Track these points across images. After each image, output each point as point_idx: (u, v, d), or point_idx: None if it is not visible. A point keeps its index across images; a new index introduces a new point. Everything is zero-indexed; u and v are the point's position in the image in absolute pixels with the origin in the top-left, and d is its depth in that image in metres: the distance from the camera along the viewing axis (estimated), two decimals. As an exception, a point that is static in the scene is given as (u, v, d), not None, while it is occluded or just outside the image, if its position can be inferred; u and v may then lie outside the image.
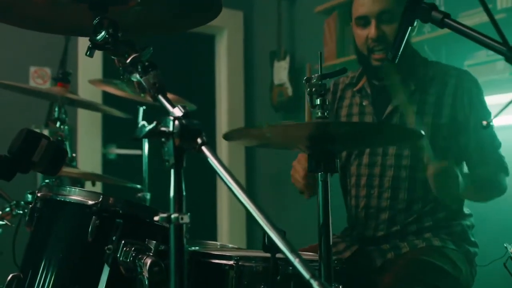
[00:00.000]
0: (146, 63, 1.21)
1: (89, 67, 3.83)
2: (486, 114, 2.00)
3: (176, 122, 1.07)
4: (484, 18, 2.98)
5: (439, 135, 2.00)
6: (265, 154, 4.35)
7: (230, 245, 2.15)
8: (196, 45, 4.52)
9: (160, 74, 1.20)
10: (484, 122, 1.10)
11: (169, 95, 3.02)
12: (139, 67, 1.21)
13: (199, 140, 1.09)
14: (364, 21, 2.02)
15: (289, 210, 3.98)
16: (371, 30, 1.99)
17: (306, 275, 0.93)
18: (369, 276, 1.92)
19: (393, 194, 2.02)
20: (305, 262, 0.95)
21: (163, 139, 1.08)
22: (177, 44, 4.34)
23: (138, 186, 2.95)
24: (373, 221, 2.04)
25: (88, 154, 3.90)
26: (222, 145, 4.38)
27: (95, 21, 1.29)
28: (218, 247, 2.09)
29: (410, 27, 1.28)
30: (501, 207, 2.31)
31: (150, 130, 1.06)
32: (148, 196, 2.96)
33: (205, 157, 1.09)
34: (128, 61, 1.21)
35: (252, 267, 1.60)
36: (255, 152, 4.44)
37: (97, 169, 3.91)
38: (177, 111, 1.12)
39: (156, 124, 1.07)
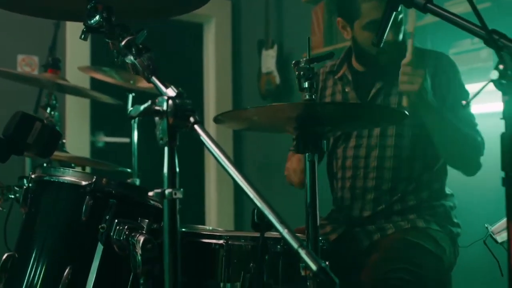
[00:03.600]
0: (140, 46, 1.25)
1: (77, 54, 3.85)
2: (464, 94, 2.05)
3: (170, 101, 1.12)
4: (469, 7, 3.03)
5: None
6: (252, 140, 4.40)
7: (220, 229, 2.20)
8: (185, 34, 4.54)
9: (153, 57, 1.24)
10: (463, 102, 1.15)
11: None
12: (133, 49, 1.25)
13: (191, 119, 1.13)
14: (374, 25, 2.00)
15: (276, 194, 4.01)
16: (389, 36, 1.98)
17: (295, 244, 0.98)
18: (356, 257, 1.98)
19: (378, 174, 2.07)
20: (293, 233, 0.99)
21: (157, 118, 1.13)
22: (166, 32, 4.35)
23: (129, 170, 2.99)
24: (359, 201, 2.10)
25: (77, 142, 3.92)
26: (210, 132, 4.40)
27: (89, 6, 1.32)
28: (209, 229, 2.14)
29: (394, 12, 1.32)
30: (484, 188, 2.37)
31: (145, 109, 1.11)
32: (137, 182, 3.00)
33: (197, 136, 1.14)
34: (123, 43, 1.24)
35: (242, 246, 1.65)
36: (243, 138, 4.48)
37: (86, 156, 3.93)
38: (171, 92, 1.17)
39: (151, 104, 1.11)
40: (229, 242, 1.65)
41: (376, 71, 2.06)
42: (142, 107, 1.12)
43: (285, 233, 0.99)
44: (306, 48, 4.27)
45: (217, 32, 4.51)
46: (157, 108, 1.12)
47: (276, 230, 1.01)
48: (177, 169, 1.14)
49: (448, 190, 2.16)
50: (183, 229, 1.81)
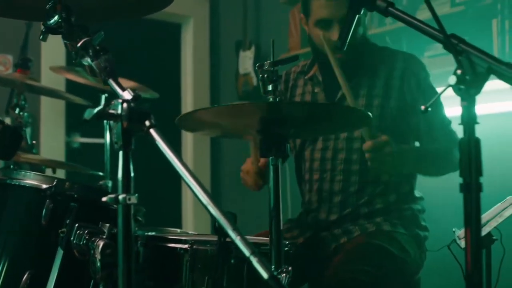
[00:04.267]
0: (98, 47, 1.23)
1: (51, 54, 3.80)
2: (434, 96, 2.03)
3: (125, 104, 1.10)
4: (443, 10, 3.05)
5: (388, 117, 2.06)
6: (230, 145, 4.38)
7: (191, 232, 2.18)
8: (163, 34, 4.51)
9: (112, 58, 1.22)
10: (422, 107, 1.14)
11: (131, 83, 3.01)
12: (90, 51, 1.22)
13: (147, 123, 1.11)
14: (325, 23, 2.02)
15: (253, 199, 4.01)
16: (334, 34, 1.98)
17: (247, 252, 0.96)
18: (323, 260, 1.97)
19: (345, 176, 2.06)
20: (246, 240, 0.98)
21: (111, 122, 1.10)
22: (144, 32, 4.32)
23: (100, 173, 2.95)
24: (327, 204, 2.09)
25: (52, 142, 3.88)
26: (188, 136, 4.39)
27: (48, 5, 1.30)
28: (178, 232, 2.12)
29: (357, 15, 1.31)
30: (455, 190, 2.37)
31: (98, 112, 1.08)
32: (109, 183, 2.96)
33: (153, 140, 1.11)
34: (79, 45, 1.22)
35: (207, 251, 1.63)
36: (221, 144, 4.46)
37: (61, 157, 3.89)
38: (127, 95, 1.15)
39: (104, 107, 1.09)
40: (194, 246, 1.63)
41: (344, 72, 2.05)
42: (95, 110, 1.09)
43: (238, 240, 0.98)
44: (284, 49, 4.23)
45: (195, 33, 4.49)
46: (111, 111, 1.10)
47: (229, 236, 0.99)
48: (132, 174, 1.12)
49: (417, 193, 2.16)
50: (150, 233, 1.79)
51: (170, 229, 2.12)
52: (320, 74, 2.16)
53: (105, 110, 1.09)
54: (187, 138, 4.39)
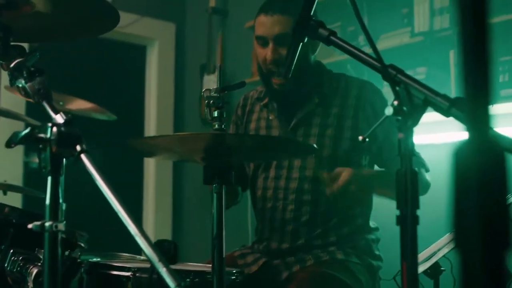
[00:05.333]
0: (32, 69, 1.20)
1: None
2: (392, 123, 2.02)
3: (55, 128, 1.06)
4: (404, 40, 3.09)
5: (341, 147, 2.03)
6: (192, 169, 4.34)
7: (141, 257, 2.12)
8: (127, 56, 4.48)
9: (45, 81, 1.19)
10: (360, 138, 1.12)
11: (88, 104, 2.95)
12: (24, 72, 1.19)
13: (78, 148, 1.08)
14: (263, 41, 2.01)
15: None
16: (268, 52, 1.98)
17: (172, 284, 0.93)
18: (274, 289, 1.94)
19: (297, 206, 2.03)
20: (172, 271, 0.94)
21: (40, 146, 1.07)
22: (108, 53, 4.29)
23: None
24: (278, 233, 2.06)
25: (9, 162, 3.80)
26: (150, 159, 4.35)
27: (-16, 25, 1.26)
28: (127, 258, 2.06)
29: (301, 43, 1.30)
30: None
31: (25, 136, 1.05)
32: (63, 206, 2.89)
33: (83, 165, 1.08)
34: (12, 65, 1.19)
35: (150, 278, 1.59)
36: (183, 167, 4.42)
37: (18, 178, 3.81)
38: (59, 118, 1.11)
39: (31, 130, 1.05)
40: (137, 274, 1.59)
41: (296, 101, 2.03)
42: (23, 133, 1.06)
43: (163, 271, 0.94)
44: (248, 73, 4.23)
45: (160, 55, 4.46)
46: (40, 135, 1.06)
47: (155, 267, 0.96)
48: (61, 200, 1.08)
49: (372, 224, 2.14)
50: (94, 259, 1.75)
51: (123, 254, 2.07)
52: (275, 102, 2.13)
53: (33, 134, 1.06)
54: (149, 160, 4.35)
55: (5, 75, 3.62)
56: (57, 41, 1.50)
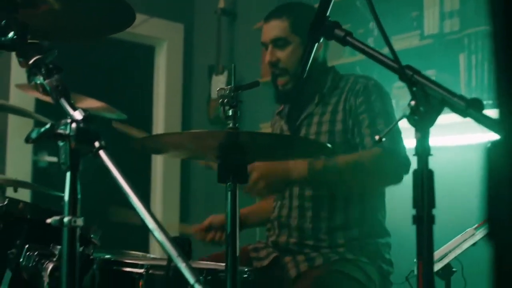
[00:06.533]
0: (51, 66, 1.21)
1: (21, 72, 3.74)
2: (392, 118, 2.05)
3: (74, 124, 1.07)
4: (413, 43, 3.09)
5: (335, 140, 2.05)
6: (200, 168, 4.35)
7: (151, 255, 2.13)
8: (137, 56, 4.50)
9: (63, 77, 1.20)
10: (377, 137, 1.13)
11: (98, 103, 2.96)
12: (42, 69, 1.20)
13: (96, 144, 1.09)
14: (265, 46, 2.18)
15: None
16: (267, 55, 2.14)
17: (191, 279, 0.94)
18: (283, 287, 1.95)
19: (300, 202, 2.08)
20: (191, 267, 0.95)
21: (60, 142, 1.08)
22: (117, 53, 4.31)
23: (62, 194, 2.88)
24: (286, 229, 2.10)
25: (18, 161, 3.82)
26: (157, 158, 4.36)
27: (2, 22, 1.28)
28: (140, 256, 2.07)
29: (316, 44, 1.31)
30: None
31: (44, 131, 1.06)
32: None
33: (102, 162, 1.09)
34: (30, 62, 1.20)
35: (163, 276, 1.60)
36: (191, 166, 4.43)
37: (27, 176, 3.82)
38: (78, 115, 1.12)
39: (51, 126, 1.06)
40: (150, 271, 1.60)
41: (301, 103, 2.09)
42: (42, 129, 1.07)
43: (182, 266, 0.95)
44: (257, 74, 4.24)
45: (168, 56, 4.48)
46: (59, 131, 1.07)
47: (175, 263, 0.97)
48: (79, 196, 1.09)
49: (384, 227, 2.13)
50: (106, 256, 1.76)
51: (134, 252, 2.08)
52: (286, 106, 2.19)
53: (53, 130, 1.07)
54: (157, 159, 4.37)
55: (14, 73, 3.64)
56: (73, 41, 1.51)
